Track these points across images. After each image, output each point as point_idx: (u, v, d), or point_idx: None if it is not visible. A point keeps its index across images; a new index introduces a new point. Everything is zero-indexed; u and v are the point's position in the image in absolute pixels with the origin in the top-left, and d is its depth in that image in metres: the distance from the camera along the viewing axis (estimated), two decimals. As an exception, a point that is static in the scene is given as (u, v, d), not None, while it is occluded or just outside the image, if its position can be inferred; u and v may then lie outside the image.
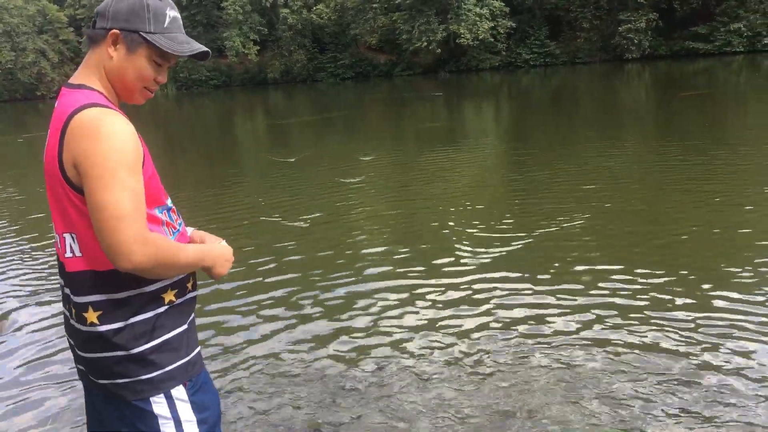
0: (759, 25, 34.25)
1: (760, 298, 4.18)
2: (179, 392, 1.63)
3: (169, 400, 1.61)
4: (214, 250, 1.70)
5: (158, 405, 1.60)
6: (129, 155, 1.47)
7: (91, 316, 1.55)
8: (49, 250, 6.43)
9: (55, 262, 1.80)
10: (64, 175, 1.50)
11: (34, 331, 4.48)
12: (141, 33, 1.60)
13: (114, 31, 1.59)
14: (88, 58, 1.64)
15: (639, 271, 4.78)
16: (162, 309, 1.61)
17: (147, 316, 1.58)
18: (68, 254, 1.58)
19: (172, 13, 1.65)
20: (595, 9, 38.41)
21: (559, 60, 39.70)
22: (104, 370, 1.59)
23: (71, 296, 1.59)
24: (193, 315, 1.72)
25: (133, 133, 1.52)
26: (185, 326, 1.67)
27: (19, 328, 4.57)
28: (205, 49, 1.69)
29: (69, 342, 1.71)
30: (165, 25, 1.62)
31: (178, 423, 1.61)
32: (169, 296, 1.62)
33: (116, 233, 1.42)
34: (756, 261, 4.79)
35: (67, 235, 1.57)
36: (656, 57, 36.42)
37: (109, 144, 1.45)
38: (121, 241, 1.42)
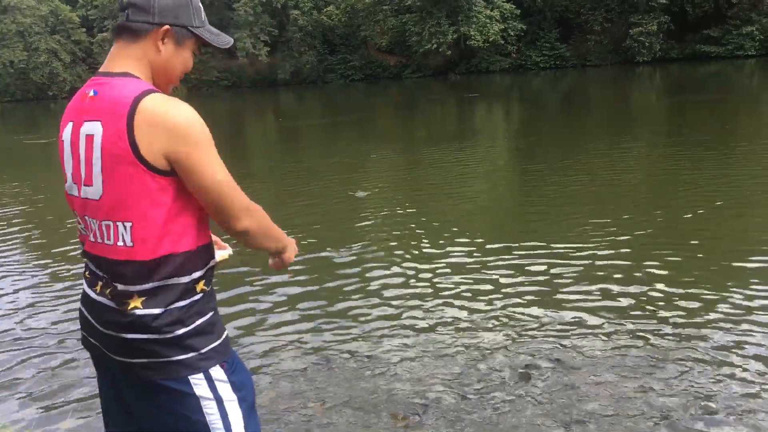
0: (772, 28, 34.06)
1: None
2: (218, 372, 1.65)
3: (209, 380, 1.63)
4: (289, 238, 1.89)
5: (198, 386, 1.62)
6: (210, 136, 1.62)
7: (135, 301, 1.59)
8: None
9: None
10: (143, 160, 1.52)
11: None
12: (189, 27, 1.70)
13: (166, 27, 1.65)
14: (128, 49, 1.65)
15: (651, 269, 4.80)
16: (197, 297, 1.65)
17: (183, 304, 1.62)
18: (119, 243, 1.59)
19: (200, 5, 1.75)
20: (606, 12, 38.29)
21: (569, 62, 39.60)
22: (137, 350, 1.60)
23: (111, 282, 1.61)
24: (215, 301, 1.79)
25: None
26: (214, 311, 1.72)
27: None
28: (232, 40, 1.85)
29: (87, 321, 1.72)
30: (202, 18, 1.74)
31: (220, 402, 1.64)
32: (200, 286, 1.67)
33: (235, 200, 1.62)
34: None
35: (120, 224, 1.57)
36: (668, 60, 36.25)
37: (201, 130, 1.59)
38: (239, 207, 1.63)
